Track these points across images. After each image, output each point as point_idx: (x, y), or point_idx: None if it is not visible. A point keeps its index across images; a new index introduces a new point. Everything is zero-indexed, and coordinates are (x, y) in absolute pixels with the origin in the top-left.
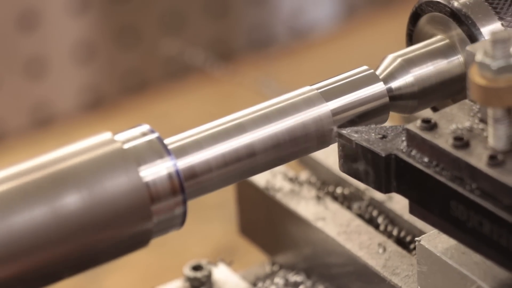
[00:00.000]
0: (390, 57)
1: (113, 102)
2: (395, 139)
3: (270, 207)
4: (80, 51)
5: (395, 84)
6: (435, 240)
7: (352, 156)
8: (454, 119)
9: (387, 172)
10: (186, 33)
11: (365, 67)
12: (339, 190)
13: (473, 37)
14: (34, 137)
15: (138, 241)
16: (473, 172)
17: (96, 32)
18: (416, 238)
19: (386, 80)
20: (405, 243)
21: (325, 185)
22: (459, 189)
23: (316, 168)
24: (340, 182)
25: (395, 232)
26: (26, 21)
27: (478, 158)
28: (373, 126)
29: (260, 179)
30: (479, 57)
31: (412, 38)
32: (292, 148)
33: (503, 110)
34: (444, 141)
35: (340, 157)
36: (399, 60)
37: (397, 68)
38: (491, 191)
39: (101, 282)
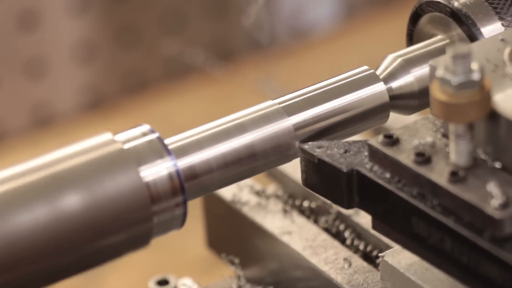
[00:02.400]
0: (390, 57)
1: (113, 102)
2: (358, 154)
3: (236, 221)
4: (80, 51)
5: (395, 84)
6: (398, 256)
7: (315, 171)
8: (416, 134)
9: (349, 187)
10: (186, 33)
11: (365, 67)
12: (306, 204)
13: (473, 37)
14: (34, 137)
15: (138, 241)
16: (434, 188)
17: (96, 32)
18: (380, 254)
19: (386, 80)
20: (372, 257)
21: (292, 198)
22: (420, 206)
23: (284, 181)
24: (307, 196)
25: (361, 247)
26: (26, 21)
27: (439, 174)
28: (336, 141)
29: (227, 192)
30: (440, 72)
31: (412, 38)
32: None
33: (464, 125)
34: (405, 157)
35: (302, 172)
36: (399, 60)
37: (398, 68)
38: (452, 207)
39: (101, 282)
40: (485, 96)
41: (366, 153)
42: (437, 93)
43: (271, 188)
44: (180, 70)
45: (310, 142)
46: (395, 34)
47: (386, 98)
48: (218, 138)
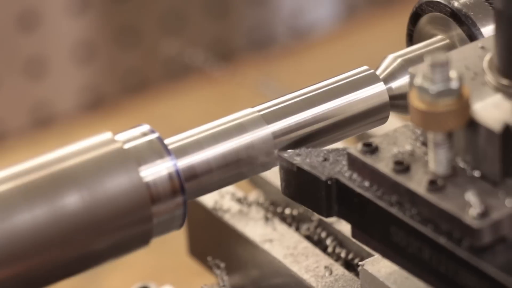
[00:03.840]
0: (390, 57)
1: (113, 102)
2: (337, 163)
3: (218, 228)
4: (80, 51)
5: (395, 84)
6: (378, 265)
7: (294, 180)
8: (396, 142)
9: (328, 196)
10: (186, 33)
11: (365, 67)
12: (288, 211)
13: (473, 37)
14: (34, 137)
15: (138, 241)
16: (413, 197)
17: (96, 32)
18: (360, 263)
19: (386, 80)
20: (353, 265)
21: (274, 205)
22: (399, 215)
23: (265, 188)
24: (289, 203)
25: (343, 254)
26: (26, 21)
27: (418, 183)
28: (315, 149)
29: (208, 199)
30: (418, 81)
31: (412, 38)
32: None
33: (443, 134)
34: (384, 165)
35: (281, 180)
36: (399, 60)
37: (398, 68)
38: (431, 216)
39: (101, 282)
40: (464, 104)
41: (345, 162)
42: (416, 101)
43: (253, 195)
44: (180, 70)
45: (289, 150)
46: (395, 34)
47: (386, 98)
48: (218, 138)
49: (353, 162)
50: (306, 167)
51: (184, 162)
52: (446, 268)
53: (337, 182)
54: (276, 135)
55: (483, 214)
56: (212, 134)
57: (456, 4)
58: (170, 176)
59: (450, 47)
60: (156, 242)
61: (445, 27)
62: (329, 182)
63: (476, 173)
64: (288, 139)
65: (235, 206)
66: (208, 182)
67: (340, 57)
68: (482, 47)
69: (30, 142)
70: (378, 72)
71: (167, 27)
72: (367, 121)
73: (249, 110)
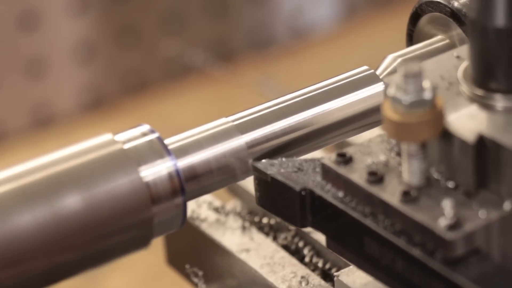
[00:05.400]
0: (390, 57)
1: (113, 102)
2: (311, 173)
3: (195, 238)
4: (80, 51)
5: None
6: (354, 275)
7: (268, 190)
8: (370, 153)
9: (302, 206)
10: (186, 33)
11: (365, 67)
12: (265, 220)
13: None
14: (34, 137)
15: (138, 241)
16: (386, 208)
17: (96, 32)
18: (335, 273)
19: None
20: (330, 275)
21: (252, 215)
22: (372, 226)
23: (243, 197)
24: (267, 212)
25: (320, 264)
26: (26, 21)
27: (391, 194)
28: (289, 159)
29: None
30: (391, 91)
31: (412, 38)
32: None
33: (417, 145)
34: (358, 176)
35: (256, 190)
36: (399, 60)
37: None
38: (404, 228)
39: (101, 282)
40: (437, 115)
41: (320, 172)
42: (389, 112)
43: (231, 204)
44: (180, 70)
45: (263, 160)
46: (395, 34)
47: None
48: (218, 138)
49: (327, 173)
50: (279, 177)
51: (184, 162)
52: (419, 280)
53: (311, 193)
54: (250, 145)
55: (457, 226)
56: (212, 134)
57: (456, 4)
58: (170, 176)
59: (450, 47)
60: (157, 242)
61: (445, 27)
62: (303, 193)
63: (450, 184)
64: (263, 148)
65: (212, 215)
66: (209, 182)
67: (340, 57)
68: (458, 57)
69: (30, 142)
70: (378, 72)
71: (167, 27)
72: (367, 121)
73: (223, 120)
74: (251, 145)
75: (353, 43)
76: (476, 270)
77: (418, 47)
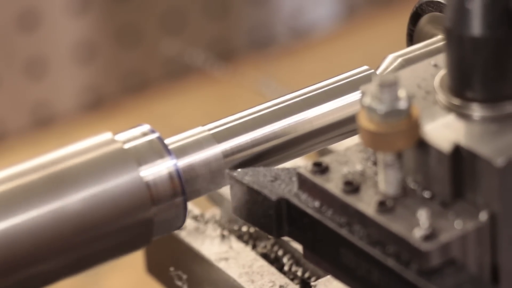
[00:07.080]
0: (390, 57)
1: (113, 102)
2: (288, 182)
3: (174, 246)
4: (81, 51)
5: None
6: (331, 285)
7: (244, 199)
8: (347, 162)
9: (278, 216)
10: (186, 33)
11: (365, 67)
12: (245, 229)
13: None
14: (34, 137)
15: (138, 241)
16: (362, 218)
17: (97, 32)
18: (312, 283)
19: None
20: (310, 284)
21: (231, 223)
22: (348, 236)
23: (223, 205)
24: None
25: (299, 273)
26: (26, 21)
27: (367, 204)
28: (266, 168)
29: None
30: (366, 101)
31: (412, 38)
32: None
33: (393, 154)
34: (334, 186)
35: (232, 199)
36: (399, 60)
37: (398, 68)
38: (380, 238)
39: (101, 282)
40: (413, 125)
41: (296, 181)
42: (364, 121)
43: (210, 212)
44: (180, 70)
45: (239, 169)
46: (395, 34)
47: None
48: (218, 138)
49: (303, 182)
50: (255, 187)
51: (184, 162)
52: None
53: (287, 203)
54: (226, 154)
55: (432, 236)
56: (212, 134)
57: None
58: (170, 175)
59: None
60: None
61: None
62: (279, 203)
63: (427, 194)
64: (240, 157)
65: (191, 224)
66: (208, 182)
67: (340, 57)
68: (435, 65)
69: (30, 142)
70: (378, 72)
71: (167, 27)
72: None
73: (200, 128)
74: (227, 154)
75: (353, 43)
76: (452, 281)
77: (418, 47)
